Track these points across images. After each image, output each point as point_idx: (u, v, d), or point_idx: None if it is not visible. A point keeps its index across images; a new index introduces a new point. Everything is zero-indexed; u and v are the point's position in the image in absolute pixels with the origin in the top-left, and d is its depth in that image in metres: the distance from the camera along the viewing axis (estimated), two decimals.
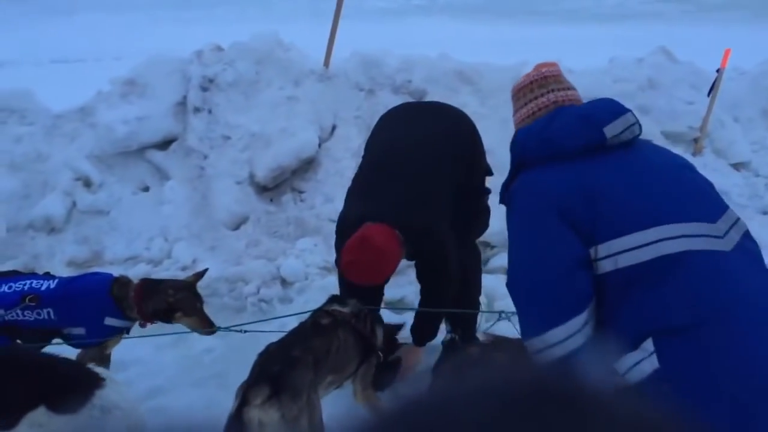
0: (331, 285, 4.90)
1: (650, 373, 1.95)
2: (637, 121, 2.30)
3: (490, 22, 18.01)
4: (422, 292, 3.70)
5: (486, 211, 4.00)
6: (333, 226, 5.49)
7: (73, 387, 2.51)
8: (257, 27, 6.66)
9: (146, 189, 5.80)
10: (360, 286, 3.42)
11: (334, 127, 6.12)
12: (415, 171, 3.41)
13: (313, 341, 3.04)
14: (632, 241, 2.03)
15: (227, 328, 3.61)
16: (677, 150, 6.45)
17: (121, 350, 3.71)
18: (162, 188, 5.69)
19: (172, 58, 6.31)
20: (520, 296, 2.25)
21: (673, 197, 2.13)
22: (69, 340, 3.45)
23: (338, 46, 6.41)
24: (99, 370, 2.68)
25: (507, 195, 2.38)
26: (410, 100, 5.98)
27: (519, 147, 2.36)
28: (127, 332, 3.59)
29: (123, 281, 3.54)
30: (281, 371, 2.76)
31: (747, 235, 2.19)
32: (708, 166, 6.38)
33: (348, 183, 5.80)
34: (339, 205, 5.64)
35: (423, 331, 3.76)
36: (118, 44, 15.66)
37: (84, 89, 6.32)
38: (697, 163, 6.38)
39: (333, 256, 5.20)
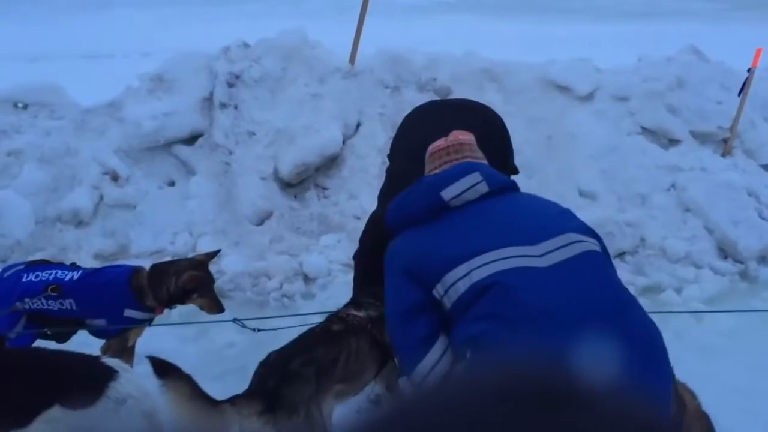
0: None
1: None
2: (484, 179, 2.59)
3: (516, 20, 17.90)
4: None
5: None
6: (357, 223, 5.55)
7: (88, 382, 2.56)
8: (285, 23, 6.69)
9: (172, 184, 5.86)
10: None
11: (358, 125, 6.14)
12: None
13: (317, 351, 2.95)
14: (451, 277, 2.35)
15: (244, 320, 3.63)
16: (706, 150, 6.38)
17: (145, 342, 3.75)
18: (188, 183, 5.75)
19: (199, 54, 6.37)
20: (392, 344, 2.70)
21: (493, 232, 2.43)
22: (92, 330, 3.50)
23: (364, 44, 6.42)
24: (112, 361, 2.72)
25: None
26: (435, 97, 5.96)
27: (388, 220, 2.74)
28: (149, 324, 3.63)
29: (141, 272, 3.57)
30: (277, 385, 2.72)
31: (586, 255, 2.39)
32: (738, 167, 6.30)
33: (372, 180, 5.85)
34: (363, 202, 5.69)
35: None
36: (147, 40, 15.81)
37: (112, 84, 6.39)
38: (726, 164, 6.35)
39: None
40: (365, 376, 3.19)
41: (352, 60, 6.37)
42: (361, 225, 5.47)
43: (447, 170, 2.69)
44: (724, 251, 5.69)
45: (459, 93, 5.98)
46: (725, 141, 6.49)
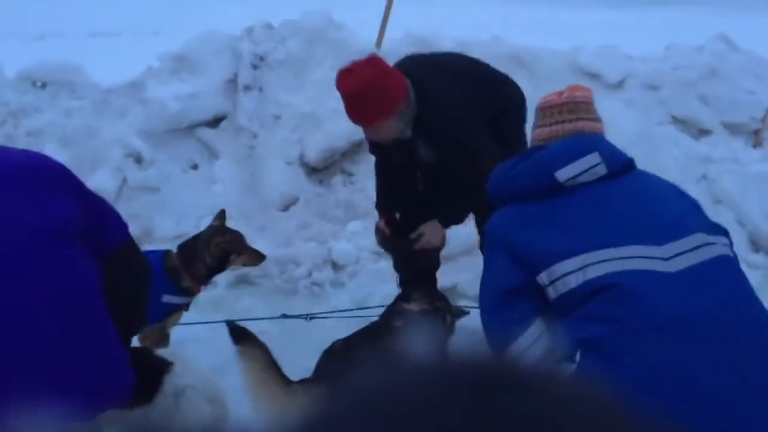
0: (384, 270, 4.84)
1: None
2: (603, 161, 2.34)
3: (544, 4, 17.70)
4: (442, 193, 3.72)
5: None
6: None
7: (140, 377, 2.43)
8: (309, 5, 6.58)
9: (195, 167, 5.76)
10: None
11: None
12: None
13: (381, 342, 2.93)
14: (561, 269, 2.18)
15: (295, 317, 3.58)
16: (737, 141, 6.27)
17: (178, 329, 3.68)
18: (211, 167, 5.66)
19: (222, 35, 6.25)
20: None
21: (612, 225, 2.24)
22: None
23: (391, 27, 6.31)
24: (162, 351, 2.63)
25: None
26: None
27: (490, 187, 2.55)
28: (186, 308, 3.54)
29: (171, 254, 3.45)
30: (344, 372, 2.70)
31: (717, 260, 2.20)
32: None
33: None
34: None
35: (447, 214, 3.74)
36: (155, 18, 15.67)
37: (126, 64, 6.28)
38: (758, 155, 6.23)
39: None
40: None
41: (378, 43, 6.26)
42: None
43: (561, 144, 2.41)
44: (757, 244, 5.60)
45: None
46: (756, 132, 6.38)
